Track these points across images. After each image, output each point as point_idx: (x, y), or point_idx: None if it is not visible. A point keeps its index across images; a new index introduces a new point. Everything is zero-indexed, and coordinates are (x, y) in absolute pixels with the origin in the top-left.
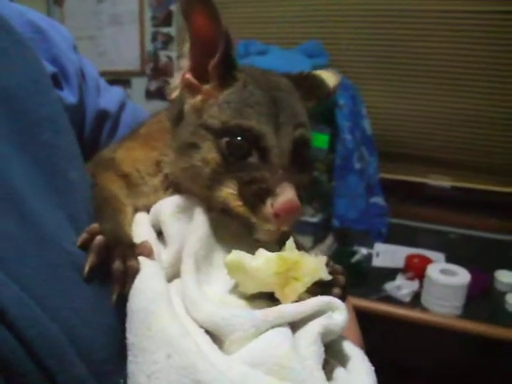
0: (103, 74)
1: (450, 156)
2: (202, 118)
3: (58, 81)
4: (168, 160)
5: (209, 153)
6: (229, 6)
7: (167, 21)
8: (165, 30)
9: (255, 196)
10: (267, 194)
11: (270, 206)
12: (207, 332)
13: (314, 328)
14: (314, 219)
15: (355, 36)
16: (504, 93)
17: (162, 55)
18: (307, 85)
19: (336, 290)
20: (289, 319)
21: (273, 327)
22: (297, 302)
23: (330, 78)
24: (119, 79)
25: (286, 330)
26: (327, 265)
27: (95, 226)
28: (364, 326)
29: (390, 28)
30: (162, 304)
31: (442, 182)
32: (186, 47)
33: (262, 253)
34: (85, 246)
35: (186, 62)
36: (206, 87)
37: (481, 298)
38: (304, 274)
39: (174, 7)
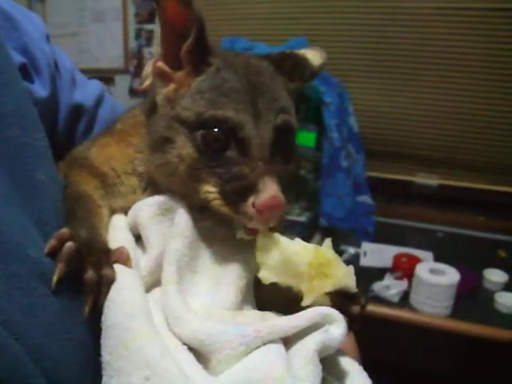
0: (86, 71)
1: (437, 154)
2: (175, 110)
3: (27, 72)
4: (142, 157)
5: (184, 148)
6: (214, 3)
7: (151, 17)
8: (148, 26)
9: (236, 194)
10: (249, 191)
11: (251, 204)
12: (191, 349)
13: (310, 345)
14: (301, 218)
15: (342, 33)
16: (493, 91)
17: (146, 52)
18: (289, 65)
19: (356, 308)
20: (282, 334)
21: (264, 344)
22: (300, 310)
23: (314, 56)
24: (102, 77)
25: (279, 347)
26: None
27: (65, 230)
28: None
29: (377, 25)
30: (140, 318)
31: (430, 180)
32: (158, 34)
33: (300, 241)
34: (53, 254)
35: (158, 50)
36: (178, 74)
37: (469, 297)
38: (335, 275)
39: None
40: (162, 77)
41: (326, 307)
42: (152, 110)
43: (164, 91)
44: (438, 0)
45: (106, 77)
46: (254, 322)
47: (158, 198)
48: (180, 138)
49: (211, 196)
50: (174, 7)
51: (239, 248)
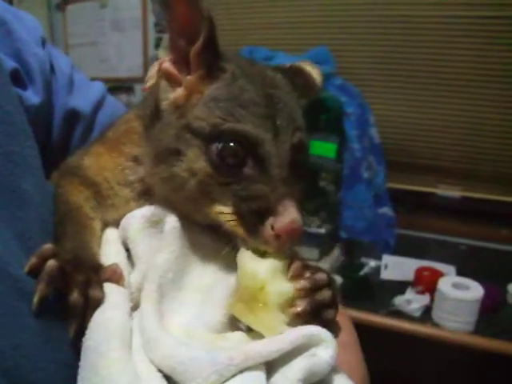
0: (105, 80)
1: (459, 165)
2: (186, 119)
3: (19, 78)
4: (133, 165)
5: (196, 162)
6: (233, 13)
7: None
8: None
9: (253, 214)
10: (267, 213)
11: (269, 228)
12: (166, 376)
13: (293, 373)
14: (321, 230)
15: (363, 42)
16: None
17: None
18: (301, 81)
19: (330, 312)
20: (260, 360)
21: (241, 371)
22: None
23: (315, 72)
24: (122, 86)
25: (258, 376)
26: (307, 267)
27: (48, 247)
28: (372, 342)
29: (398, 34)
30: (115, 342)
31: (452, 191)
32: (167, 37)
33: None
34: (36, 272)
35: (165, 53)
36: (189, 78)
37: (493, 312)
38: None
39: None
40: (168, 80)
41: (311, 326)
42: (155, 116)
43: (172, 96)
44: (460, 9)
45: (125, 86)
46: (237, 346)
47: (147, 210)
48: (191, 151)
49: (225, 215)
50: (183, 8)
51: (231, 263)
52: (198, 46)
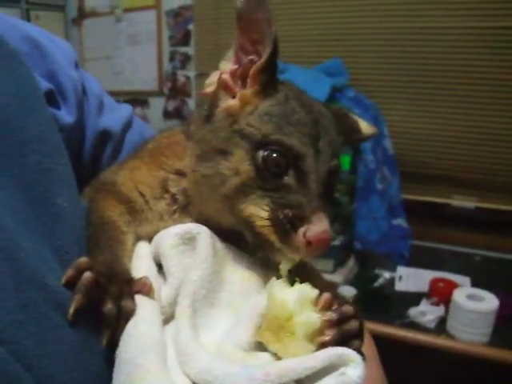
0: (120, 93)
1: (474, 176)
2: (239, 125)
3: (54, 98)
4: (176, 178)
5: (241, 163)
6: None
7: (185, 40)
8: (182, 49)
9: (288, 222)
10: (301, 221)
11: (301, 235)
12: None
13: None
14: (335, 241)
15: (376, 54)
16: None
17: (180, 75)
18: (344, 122)
19: (356, 343)
20: (294, 377)
21: None
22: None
23: (366, 127)
24: (137, 99)
25: None
26: (336, 297)
27: (84, 259)
28: (387, 354)
29: (411, 46)
30: (152, 356)
31: (467, 202)
32: (231, 52)
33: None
34: (71, 284)
35: (226, 65)
36: (245, 92)
37: (508, 324)
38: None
39: (191, 27)
40: (224, 89)
41: (341, 347)
42: (207, 119)
43: (226, 105)
44: (475, 20)
45: (140, 99)
46: (269, 363)
47: (181, 228)
48: (239, 153)
49: (259, 220)
50: (255, 28)
51: (264, 282)
52: (260, 64)
